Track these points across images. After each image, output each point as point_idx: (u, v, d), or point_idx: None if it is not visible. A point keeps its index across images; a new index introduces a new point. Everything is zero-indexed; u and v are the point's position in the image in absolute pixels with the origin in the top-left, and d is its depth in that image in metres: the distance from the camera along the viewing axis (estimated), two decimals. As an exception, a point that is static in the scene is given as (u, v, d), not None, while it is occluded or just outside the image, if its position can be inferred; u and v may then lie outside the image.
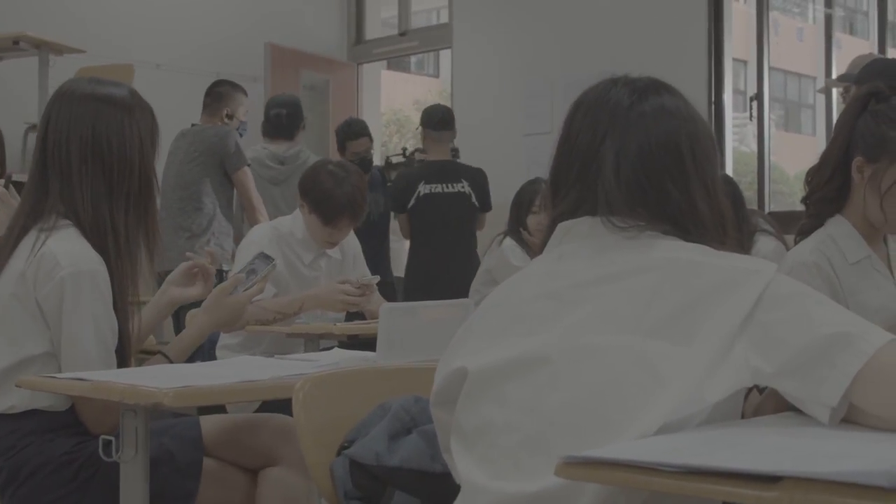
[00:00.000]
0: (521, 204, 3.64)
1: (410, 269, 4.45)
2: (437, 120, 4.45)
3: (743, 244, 2.65)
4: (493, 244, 3.76)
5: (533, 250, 3.42)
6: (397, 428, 1.25)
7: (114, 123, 1.69)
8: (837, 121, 1.89)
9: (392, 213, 4.59)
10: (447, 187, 4.40)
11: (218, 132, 3.99)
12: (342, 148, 4.57)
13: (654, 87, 1.11)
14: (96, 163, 1.67)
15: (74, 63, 4.02)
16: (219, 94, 4.14)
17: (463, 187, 4.40)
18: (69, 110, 1.69)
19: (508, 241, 3.63)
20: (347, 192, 2.71)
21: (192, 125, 4.09)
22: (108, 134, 1.68)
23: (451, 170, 4.44)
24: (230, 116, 4.13)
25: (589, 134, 1.09)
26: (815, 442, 0.86)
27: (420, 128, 4.53)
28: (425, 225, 4.36)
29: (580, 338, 0.99)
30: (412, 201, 4.35)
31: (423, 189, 4.37)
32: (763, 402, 1.05)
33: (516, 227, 3.65)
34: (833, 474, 0.70)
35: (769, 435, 0.90)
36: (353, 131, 4.53)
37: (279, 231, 2.82)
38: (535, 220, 3.54)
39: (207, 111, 4.12)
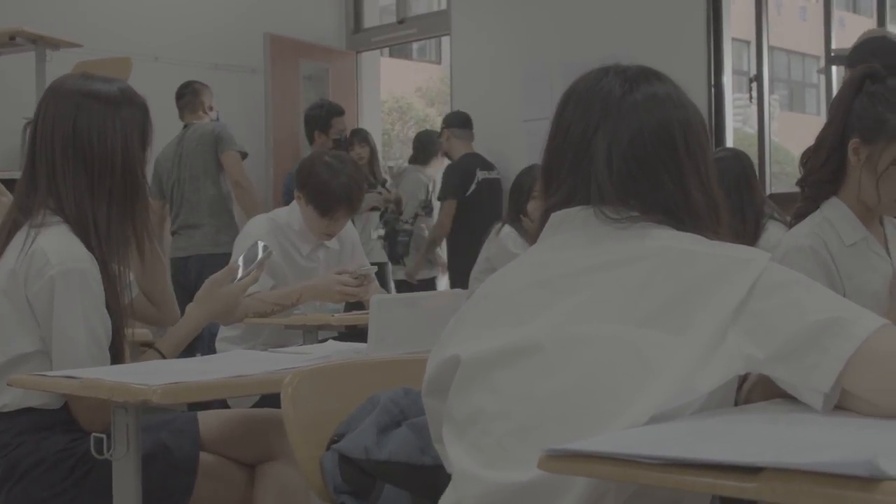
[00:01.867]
0: (521, 190, 3.62)
1: (466, 255, 4.24)
2: (463, 119, 4.94)
3: (748, 231, 2.62)
4: (493, 232, 3.75)
5: (533, 237, 3.36)
6: (386, 421, 1.24)
7: (95, 119, 1.67)
8: (833, 102, 1.86)
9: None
10: (492, 174, 4.83)
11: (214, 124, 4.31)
12: (327, 126, 4.65)
13: (645, 76, 1.10)
14: (77, 159, 1.66)
15: (72, 57, 3.99)
16: (194, 91, 4.37)
17: (497, 174, 4.85)
18: (55, 106, 1.69)
19: (507, 229, 3.63)
20: (344, 184, 2.70)
21: (185, 126, 4.30)
22: (88, 130, 1.67)
23: (486, 159, 4.89)
24: (210, 108, 4.37)
25: (581, 125, 1.08)
26: (800, 430, 0.86)
27: (444, 129, 4.95)
28: (480, 210, 4.61)
29: (572, 327, 0.98)
30: (472, 187, 4.73)
31: (480, 175, 4.75)
32: (754, 389, 1.03)
33: (515, 214, 3.64)
34: (813, 464, 0.70)
35: (754, 424, 0.90)
36: (336, 108, 4.77)
37: (276, 222, 2.81)
38: (535, 206, 3.49)
39: (189, 108, 4.32)
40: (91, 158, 1.67)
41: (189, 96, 4.34)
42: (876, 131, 1.71)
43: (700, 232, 1.04)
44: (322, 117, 4.76)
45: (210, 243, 4.05)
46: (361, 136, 5.08)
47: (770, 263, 0.97)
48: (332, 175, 2.71)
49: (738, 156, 2.84)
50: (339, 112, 4.83)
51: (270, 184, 5.50)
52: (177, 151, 4.18)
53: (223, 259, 3.48)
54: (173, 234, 4.18)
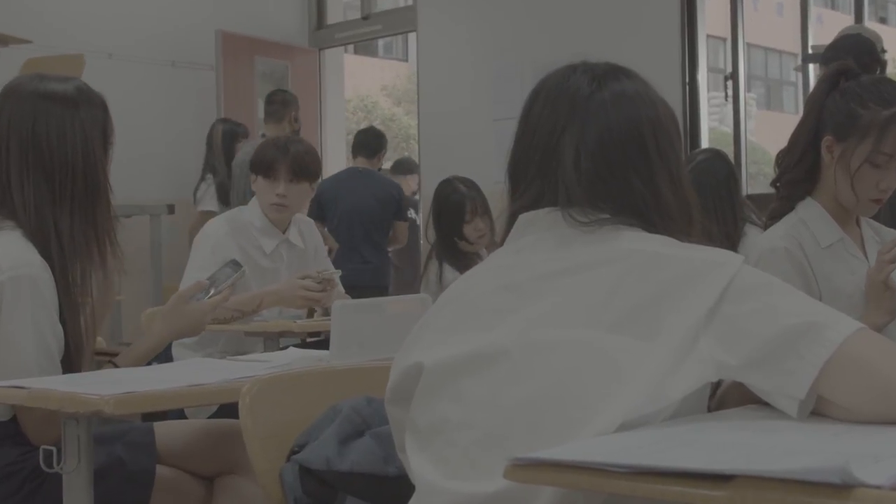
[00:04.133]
0: (452, 211, 3.21)
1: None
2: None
3: (731, 234, 2.61)
4: (427, 277, 3.24)
5: (472, 262, 3.01)
6: (348, 431, 1.21)
7: (54, 122, 1.63)
8: (807, 100, 1.86)
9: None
10: None
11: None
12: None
13: (614, 73, 1.08)
14: (36, 165, 1.62)
15: (21, 54, 3.88)
16: (284, 101, 4.59)
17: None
18: (10, 110, 1.64)
19: (446, 271, 3.16)
20: (286, 147, 2.72)
21: (262, 135, 4.46)
22: (48, 133, 1.62)
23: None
24: (295, 119, 4.58)
25: (548, 125, 1.06)
26: (772, 437, 0.85)
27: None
28: None
29: (539, 332, 0.96)
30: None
31: None
32: (727, 394, 1.01)
33: (449, 240, 3.21)
34: (784, 472, 0.68)
35: (727, 431, 0.88)
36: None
37: (236, 223, 2.76)
38: (472, 229, 3.20)
39: (274, 118, 4.53)
40: (51, 163, 1.62)
41: (277, 105, 4.55)
42: (848, 128, 1.70)
43: (671, 234, 1.02)
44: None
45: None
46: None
47: (743, 266, 0.95)
48: (275, 143, 2.76)
49: (720, 156, 2.83)
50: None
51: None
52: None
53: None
54: None
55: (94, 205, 1.65)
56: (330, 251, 3.96)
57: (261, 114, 5.09)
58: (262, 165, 2.73)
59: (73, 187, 1.63)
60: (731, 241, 2.59)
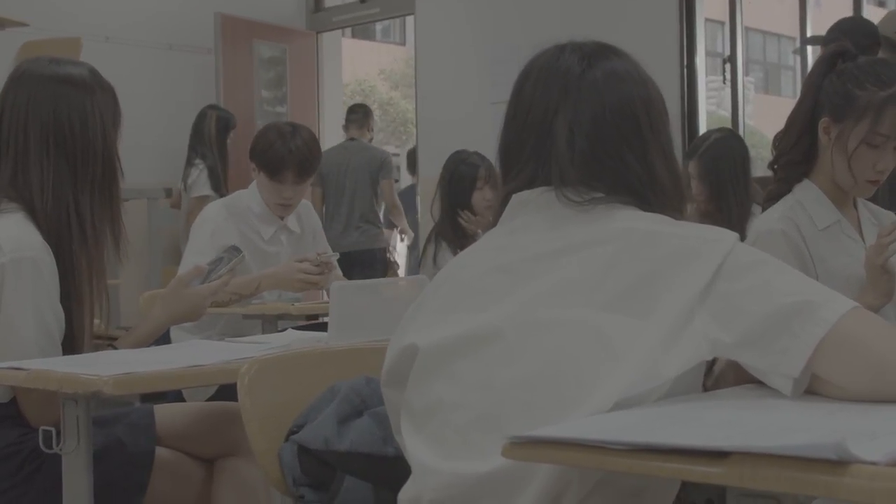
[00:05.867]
0: (464, 177, 3.21)
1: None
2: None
3: (741, 217, 2.62)
4: (426, 257, 3.23)
5: (469, 242, 2.90)
6: (347, 411, 1.21)
7: (76, 106, 1.63)
8: (804, 82, 1.85)
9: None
10: None
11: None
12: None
13: (603, 52, 1.08)
14: (59, 148, 1.62)
15: (18, 37, 3.85)
16: (365, 112, 5.43)
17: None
18: (27, 93, 1.63)
19: (441, 252, 3.16)
20: (291, 145, 2.66)
21: (352, 139, 5.26)
22: (70, 118, 1.62)
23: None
24: (370, 129, 5.44)
25: (541, 107, 1.05)
26: (768, 415, 0.85)
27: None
28: None
29: (534, 312, 0.96)
30: None
31: None
32: (723, 374, 1.02)
33: (452, 213, 3.19)
34: (781, 448, 0.69)
35: (723, 409, 0.88)
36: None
37: (235, 208, 2.75)
38: (481, 197, 3.19)
39: (357, 125, 5.30)
40: (73, 147, 1.63)
41: (360, 114, 5.35)
42: (845, 108, 1.70)
43: (666, 211, 1.02)
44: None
45: (367, 241, 5.10)
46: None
47: (738, 244, 0.95)
48: (279, 137, 2.67)
49: (734, 135, 2.85)
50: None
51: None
52: (344, 158, 5.12)
53: (370, 253, 5.02)
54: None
55: (110, 188, 1.67)
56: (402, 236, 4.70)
57: (259, 97, 5.45)
58: (268, 166, 2.66)
59: (94, 171, 1.64)
60: (741, 221, 2.60)
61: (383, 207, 5.40)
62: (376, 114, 5.62)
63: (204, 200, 4.26)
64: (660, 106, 1.07)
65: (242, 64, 5.53)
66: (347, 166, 5.13)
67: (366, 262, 4.94)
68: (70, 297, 1.60)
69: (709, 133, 2.95)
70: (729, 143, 2.76)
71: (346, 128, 5.42)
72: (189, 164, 4.84)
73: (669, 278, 0.92)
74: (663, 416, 0.85)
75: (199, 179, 4.75)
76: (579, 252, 0.97)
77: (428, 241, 3.29)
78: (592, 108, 1.03)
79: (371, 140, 5.48)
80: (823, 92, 1.74)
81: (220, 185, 4.69)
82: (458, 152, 3.35)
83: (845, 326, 0.87)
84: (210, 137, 4.80)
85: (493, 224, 1.09)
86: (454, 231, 3.19)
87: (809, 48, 4.30)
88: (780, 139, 1.83)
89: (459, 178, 3.24)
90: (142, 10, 5.20)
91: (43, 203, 1.60)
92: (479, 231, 3.15)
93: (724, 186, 2.73)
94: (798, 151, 1.78)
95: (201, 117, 4.88)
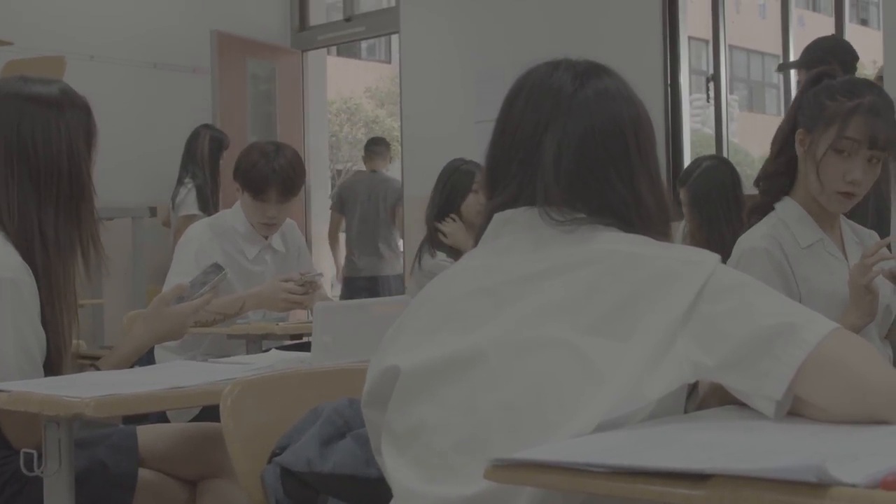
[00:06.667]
0: (461, 180, 3.24)
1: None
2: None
3: (728, 245, 2.64)
4: (418, 266, 3.25)
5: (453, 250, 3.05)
6: (330, 432, 1.21)
7: (39, 124, 1.62)
8: (792, 101, 1.90)
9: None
10: None
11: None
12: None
13: (595, 70, 1.08)
14: (21, 166, 1.61)
15: (1, 56, 3.85)
16: (386, 145, 5.86)
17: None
18: None
19: (437, 261, 3.15)
20: (275, 164, 2.65)
21: (373, 172, 5.64)
22: (33, 135, 1.61)
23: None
24: (390, 160, 5.93)
25: (531, 123, 1.05)
26: (750, 437, 0.85)
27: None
28: None
29: (517, 335, 0.96)
30: None
31: None
32: (706, 395, 1.02)
33: (445, 217, 3.21)
34: (761, 471, 0.69)
35: (705, 431, 0.89)
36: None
37: (219, 227, 2.74)
38: (475, 201, 3.16)
39: (380, 157, 5.67)
40: (36, 165, 1.61)
41: (382, 147, 5.74)
42: (816, 118, 1.74)
43: (649, 234, 1.02)
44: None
45: (387, 266, 5.43)
46: None
47: (719, 266, 0.95)
48: (263, 156, 2.67)
49: (725, 162, 2.88)
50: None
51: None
52: (369, 188, 5.51)
53: (390, 279, 5.36)
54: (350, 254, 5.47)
55: (78, 207, 1.64)
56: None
57: (251, 115, 5.63)
58: (252, 185, 2.66)
59: (59, 189, 1.62)
60: (727, 247, 2.63)
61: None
62: (361, 132, 5.68)
63: (191, 219, 4.23)
64: (648, 128, 1.07)
65: (236, 82, 5.53)
66: (374, 196, 5.50)
67: (393, 288, 5.34)
68: (47, 316, 1.59)
69: (699, 160, 2.97)
70: (718, 170, 2.78)
71: (367, 159, 5.75)
72: (179, 182, 4.82)
73: (652, 300, 0.93)
74: (646, 439, 0.85)
75: (188, 199, 4.73)
76: (562, 275, 0.97)
77: (420, 249, 3.30)
78: (582, 127, 1.03)
79: (387, 170, 5.94)
80: (801, 106, 1.78)
81: (208, 205, 4.65)
82: (454, 160, 3.42)
83: (827, 348, 0.87)
84: (202, 157, 4.78)
85: (476, 242, 1.09)
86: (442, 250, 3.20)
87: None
88: (766, 159, 1.88)
89: (456, 180, 3.31)
90: (128, 29, 5.19)
91: (11, 222, 1.59)
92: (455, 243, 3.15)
93: (716, 215, 2.77)
94: (780, 163, 1.81)
95: (194, 136, 4.85)
